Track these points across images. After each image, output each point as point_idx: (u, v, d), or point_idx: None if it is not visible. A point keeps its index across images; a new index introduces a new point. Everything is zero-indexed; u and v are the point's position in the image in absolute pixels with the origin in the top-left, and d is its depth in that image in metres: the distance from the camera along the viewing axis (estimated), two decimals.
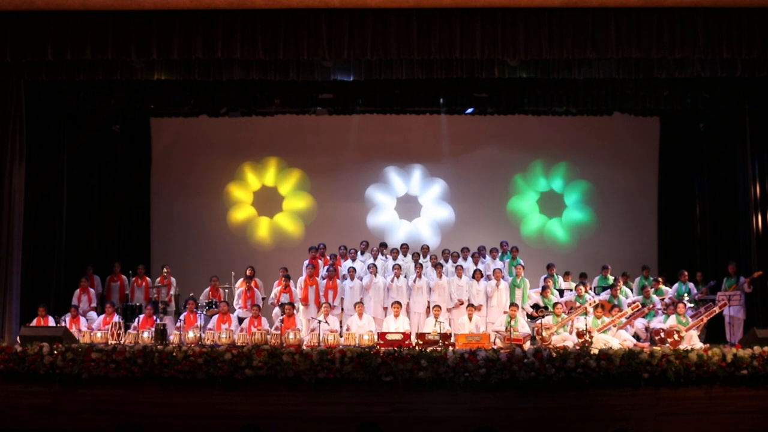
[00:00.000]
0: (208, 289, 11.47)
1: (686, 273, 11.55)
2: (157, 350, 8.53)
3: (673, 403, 8.29)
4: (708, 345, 9.46)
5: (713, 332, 11.08)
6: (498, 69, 9.95)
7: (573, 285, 11.48)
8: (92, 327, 10.24)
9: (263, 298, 11.50)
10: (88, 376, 8.45)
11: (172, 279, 11.80)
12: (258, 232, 14.07)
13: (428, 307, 11.02)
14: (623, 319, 10.08)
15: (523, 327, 10.17)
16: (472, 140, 14.00)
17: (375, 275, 11.33)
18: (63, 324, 9.96)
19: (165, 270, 11.79)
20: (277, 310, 10.93)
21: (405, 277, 11.48)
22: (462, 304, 11.04)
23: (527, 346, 9.22)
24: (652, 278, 11.79)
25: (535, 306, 11.12)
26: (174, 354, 8.45)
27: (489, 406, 8.24)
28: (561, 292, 11.44)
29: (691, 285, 11.46)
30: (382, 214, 14.11)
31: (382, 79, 10.27)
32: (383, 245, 12.49)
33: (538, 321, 10.26)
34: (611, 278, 11.75)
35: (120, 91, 11.64)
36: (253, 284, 11.30)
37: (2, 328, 9.95)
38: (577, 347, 8.80)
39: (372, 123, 13.77)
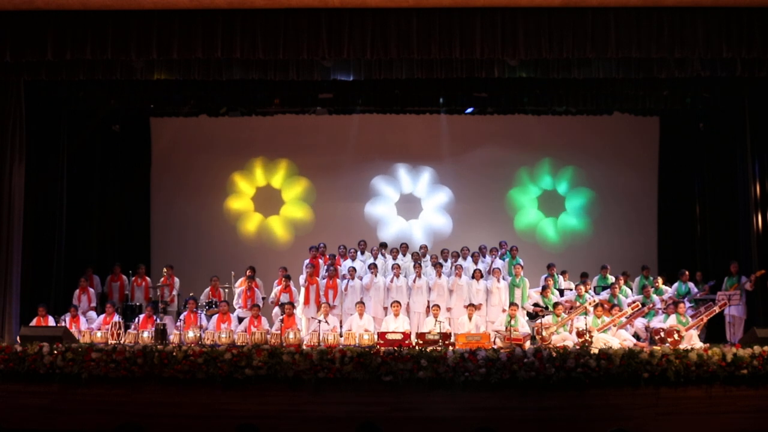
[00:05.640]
0: (208, 289, 11.47)
1: (687, 273, 11.55)
2: (157, 350, 8.54)
3: (673, 403, 8.30)
4: (708, 344, 9.46)
5: (713, 332, 11.08)
6: (498, 69, 9.95)
7: (573, 285, 11.48)
8: (92, 327, 10.24)
9: (263, 298, 11.50)
10: (88, 376, 8.47)
11: (176, 279, 11.81)
12: (255, 230, 14.06)
13: (428, 307, 11.02)
14: (623, 319, 10.08)
15: (523, 326, 10.17)
16: (472, 140, 14.00)
17: (376, 275, 11.33)
18: (63, 324, 9.96)
19: (167, 270, 11.79)
20: (277, 309, 10.93)
21: (405, 276, 11.48)
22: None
23: (527, 345, 9.22)
24: (651, 278, 11.79)
25: (535, 305, 11.12)
26: (174, 354, 8.46)
27: (489, 405, 8.25)
28: (561, 292, 11.44)
29: (691, 285, 11.46)
30: (381, 206, 14.10)
31: (381, 79, 10.26)
32: (383, 245, 12.50)
33: (538, 320, 10.26)
34: (611, 278, 11.74)
35: (120, 91, 11.63)
36: (253, 284, 11.30)
37: (2, 328, 9.96)
38: (577, 347, 8.81)
39: (372, 123, 13.76)
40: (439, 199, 14.15)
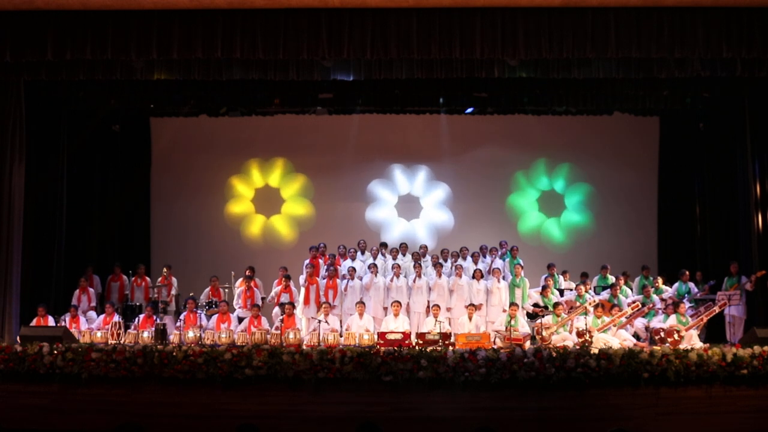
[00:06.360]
0: (208, 289, 11.47)
1: (687, 273, 11.55)
2: (157, 350, 8.54)
3: (673, 403, 8.30)
4: (708, 344, 9.46)
5: (713, 332, 11.08)
6: (498, 69, 9.95)
7: (573, 285, 11.47)
8: (92, 327, 10.24)
9: (263, 298, 11.50)
10: (88, 376, 8.47)
11: (173, 279, 11.81)
12: (255, 231, 14.06)
13: (428, 307, 11.02)
14: (623, 319, 10.08)
15: (523, 326, 10.16)
16: (472, 140, 14.00)
17: (375, 275, 11.33)
18: (63, 324, 9.96)
19: (165, 270, 11.80)
20: (277, 309, 10.93)
21: (405, 276, 11.48)
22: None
23: (527, 345, 9.22)
24: (651, 278, 11.78)
25: (536, 305, 11.12)
26: (174, 354, 8.46)
27: (489, 406, 8.25)
28: (561, 292, 11.44)
29: (691, 285, 11.45)
30: (381, 209, 14.09)
31: (381, 79, 10.26)
32: (383, 245, 12.49)
33: (538, 320, 10.26)
34: (611, 278, 11.74)
35: (120, 91, 11.63)
36: (252, 284, 11.31)
37: (2, 328, 9.96)
38: (577, 347, 8.80)
39: (372, 123, 13.76)
40: (439, 198, 14.14)
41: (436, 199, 14.15)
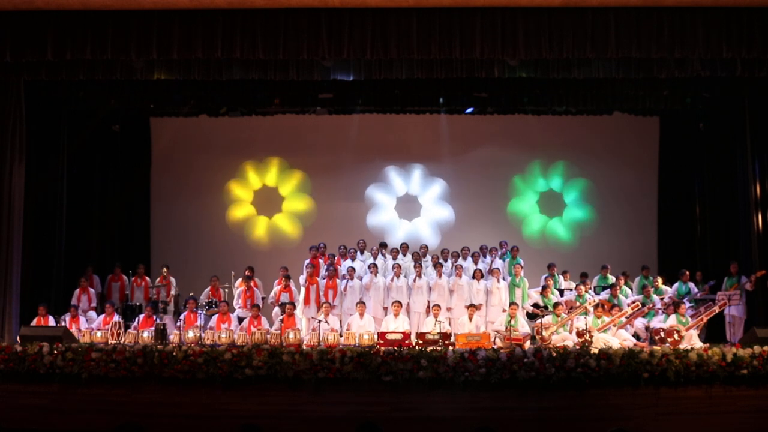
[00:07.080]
0: (208, 289, 11.46)
1: (687, 272, 11.55)
2: (157, 350, 8.54)
3: (673, 403, 8.30)
4: (708, 344, 9.46)
5: (713, 332, 11.08)
6: (498, 69, 9.96)
7: (573, 285, 11.47)
8: (92, 327, 10.24)
9: (263, 298, 11.50)
10: (88, 376, 8.47)
11: (172, 279, 11.81)
12: (255, 231, 14.06)
13: (428, 307, 11.02)
14: (623, 319, 10.08)
15: (523, 326, 10.16)
16: (472, 140, 14.00)
17: (375, 275, 11.33)
18: (63, 324, 9.96)
19: (164, 270, 11.80)
20: (277, 309, 10.93)
21: (405, 276, 11.48)
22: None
23: (527, 345, 9.22)
24: (651, 278, 11.78)
25: (535, 305, 11.12)
26: (174, 354, 8.46)
27: (489, 405, 8.25)
28: (561, 292, 11.43)
29: (691, 285, 11.45)
30: (382, 213, 14.10)
31: (381, 79, 10.26)
32: (383, 245, 12.48)
33: (538, 320, 10.26)
34: (611, 278, 11.74)
35: (120, 91, 11.64)
36: (252, 284, 11.31)
37: (2, 328, 9.96)
38: (577, 347, 8.80)
39: (372, 123, 13.76)
40: (439, 198, 14.12)
41: (436, 198, 14.14)
